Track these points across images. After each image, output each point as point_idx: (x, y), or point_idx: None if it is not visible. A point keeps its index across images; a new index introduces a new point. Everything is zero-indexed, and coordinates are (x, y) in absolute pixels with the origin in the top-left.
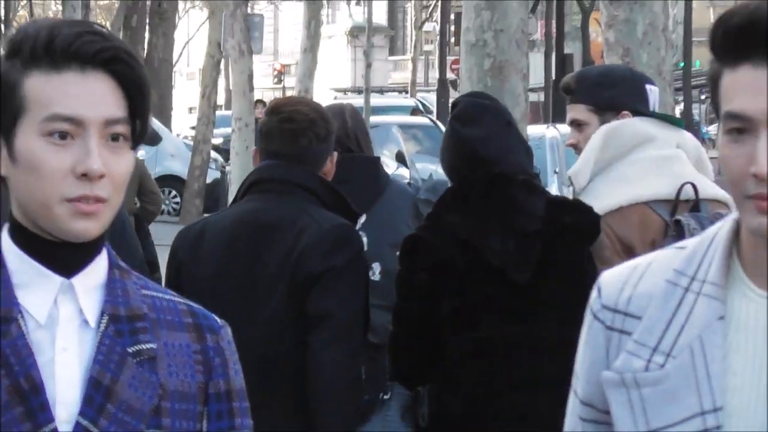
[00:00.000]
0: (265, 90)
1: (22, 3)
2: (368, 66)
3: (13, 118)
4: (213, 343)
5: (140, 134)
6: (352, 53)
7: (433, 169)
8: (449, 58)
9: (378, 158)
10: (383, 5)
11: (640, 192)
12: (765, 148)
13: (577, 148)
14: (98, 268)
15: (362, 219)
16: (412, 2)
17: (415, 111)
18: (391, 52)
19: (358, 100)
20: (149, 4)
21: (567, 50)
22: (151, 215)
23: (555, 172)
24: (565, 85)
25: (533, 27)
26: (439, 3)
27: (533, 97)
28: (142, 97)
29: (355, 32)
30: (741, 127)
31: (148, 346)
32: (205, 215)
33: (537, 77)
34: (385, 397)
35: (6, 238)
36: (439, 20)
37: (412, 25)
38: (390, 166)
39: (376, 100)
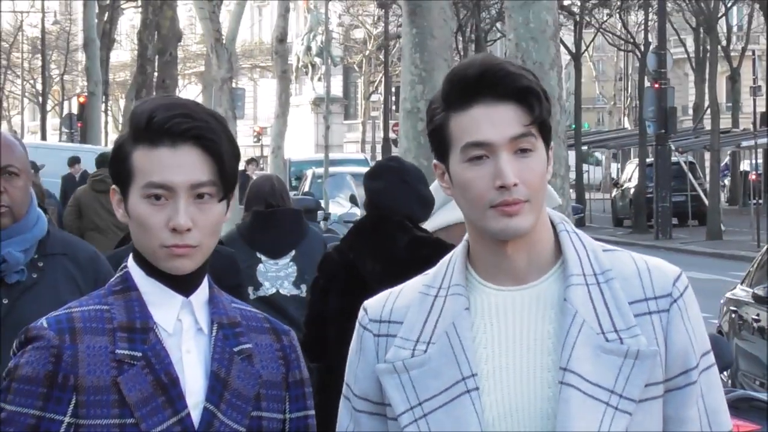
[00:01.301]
0: (247, 147)
1: (55, 80)
2: (327, 128)
3: (127, 182)
4: (287, 342)
5: (228, 189)
6: (315, 118)
7: None
8: (391, 122)
9: (299, 210)
10: (339, 80)
11: (460, 215)
12: (506, 164)
13: None
14: (204, 288)
15: (292, 253)
16: (362, 78)
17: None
18: (346, 117)
19: (320, 155)
20: (155, 81)
21: None
22: None
23: None
24: None
25: None
26: (383, 79)
27: None
28: (223, 162)
29: (317, 102)
30: (481, 153)
31: (247, 346)
32: None
33: None
34: None
35: (134, 266)
36: (383, 92)
37: (362, 96)
38: (344, 206)
39: (334, 154)
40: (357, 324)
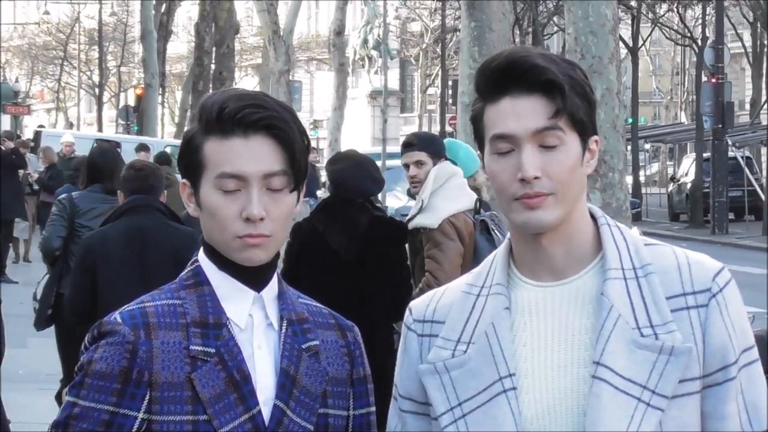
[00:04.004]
0: None
1: (112, 71)
2: (384, 121)
3: (198, 174)
4: (352, 338)
5: (299, 180)
6: (371, 111)
7: None
8: (447, 115)
9: None
10: (396, 73)
11: (458, 206)
12: (528, 157)
13: (416, 178)
14: (274, 283)
15: None
16: (419, 72)
17: None
18: (402, 111)
19: (377, 148)
20: (212, 73)
21: None
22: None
23: None
24: (409, 140)
25: None
26: (440, 72)
27: None
28: (294, 152)
29: (373, 95)
30: (506, 145)
31: (314, 343)
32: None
33: None
34: None
35: (205, 260)
36: (439, 86)
37: (419, 90)
38: (402, 199)
39: (391, 148)
40: (403, 325)
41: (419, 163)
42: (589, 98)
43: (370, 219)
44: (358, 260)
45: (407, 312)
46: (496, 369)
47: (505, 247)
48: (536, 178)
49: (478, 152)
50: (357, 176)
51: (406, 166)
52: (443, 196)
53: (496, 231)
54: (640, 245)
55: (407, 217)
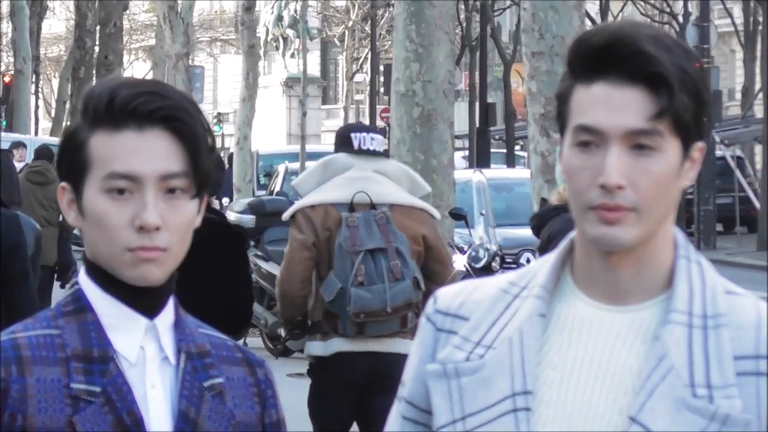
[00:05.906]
0: None
1: None
2: (303, 114)
3: (81, 175)
4: (262, 376)
5: (202, 184)
6: (287, 102)
7: None
8: (378, 107)
9: None
10: (316, 57)
11: (322, 197)
12: (614, 161)
13: None
14: (170, 309)
15: None
16: (344, 54)
17: None
18: (324, 102)
19: (294, 147)
20: (96, 57)
21: (489, 99)
22: (71, 227)
23: (481, 214)
24: None
25: (457, 78)
26: (369, 55)
27: (458, 143)
28: (199, 150)
29: (290, 83)
30: (590, 140)
31: (218, 380)
32: None
33: (461, 125)
34: None
35: (87, 281)
36: (369, 71)
37: (344, 76)
38: None
39: (311, 146)
40: (423, 314)
41: None
42: (700, 98)
43: (205, 223)
44: (193, 269)
45: (431, 300)
46: (511, 382)
47: (563, 249)
48: (620, 187)
49: (557, 136)
50: None
51: None
52: (322, 189)
53: (352, 227)
54: (718, 291)
55: None
